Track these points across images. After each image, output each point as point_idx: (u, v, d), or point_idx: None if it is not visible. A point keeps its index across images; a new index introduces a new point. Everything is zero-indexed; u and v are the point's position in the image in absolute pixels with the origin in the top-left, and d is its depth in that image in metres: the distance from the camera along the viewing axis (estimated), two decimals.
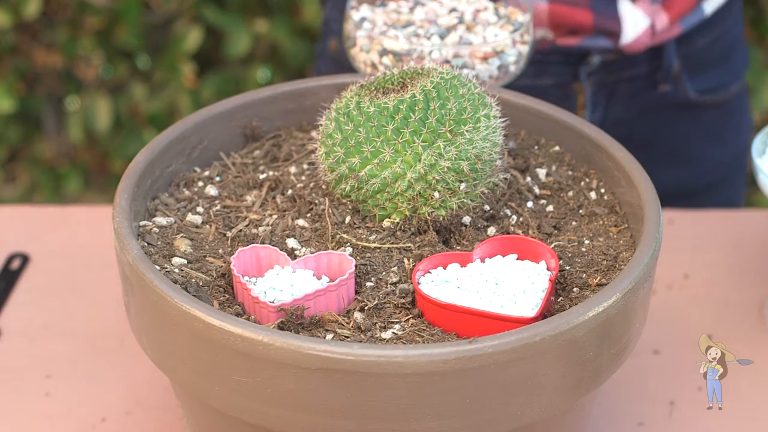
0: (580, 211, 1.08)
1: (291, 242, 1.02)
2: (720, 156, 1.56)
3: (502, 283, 0.97)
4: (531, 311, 0.94)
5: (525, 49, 1.24)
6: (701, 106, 1.51)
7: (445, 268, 0.99)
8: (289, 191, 1.08)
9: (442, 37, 1.23)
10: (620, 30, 1.39)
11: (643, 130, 1.49)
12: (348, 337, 0.93)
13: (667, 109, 1.49)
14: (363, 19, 1.25)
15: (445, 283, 0.97)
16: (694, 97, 1.49)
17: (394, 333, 0.93)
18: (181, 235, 1.03)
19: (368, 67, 1.23)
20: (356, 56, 1.24)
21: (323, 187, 1.07)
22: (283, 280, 0.97)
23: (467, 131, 1.01)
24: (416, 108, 1.00)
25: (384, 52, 1.21)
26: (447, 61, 1.20)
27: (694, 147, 1.53)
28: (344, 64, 1.44)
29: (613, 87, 1.46)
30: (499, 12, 1.26)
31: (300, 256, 1.01)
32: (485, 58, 1.21)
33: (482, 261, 1.00)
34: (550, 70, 1.44)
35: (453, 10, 1.26)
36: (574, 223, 1.07)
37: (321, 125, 1.04)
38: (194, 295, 0.95)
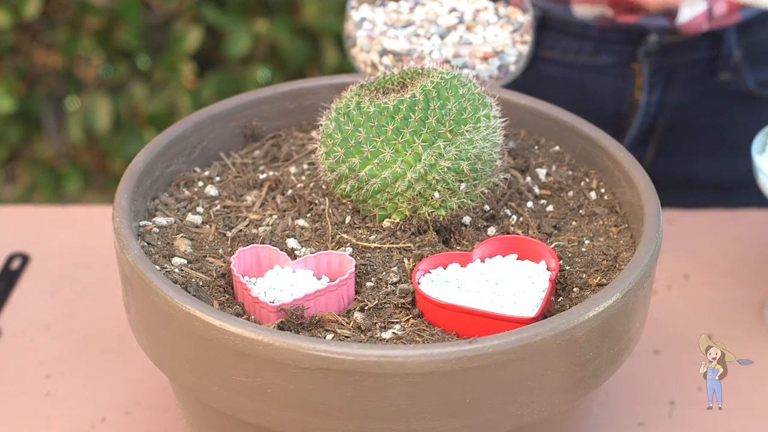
0: (580, 211, 1.08)
1: (291, 242, 1.02)
2: None
3: (502, 282, 0.97)
4: (531, 311, 0.94)
5: (525, 48, 1.24)
6: (760, 98, 1.50)
7: (445, 268, 0.99)
8: (289, 191, 1.08)
9: (442, 37, 1.23)
10: (677, 7, 1.39)
11: (699, 116, 1.48)
12: (348, 337, 0.93)
13: (725, 98, 1.49)
14: (363, 19, 1.25)
15: (445, 282, 0.97)
16: (754, 88, 1.49)
17: (394, 333, 0.93)
18: (181, 235, 1.03)
19: (368, 67, 1.23)
20: (356, 56, 1.24)
21: (323, 187, 1.07)
22: (283, 280, 0.97)
23: (467, 131, 1.01)
24: (416, 108, 1.00)
25: (384, 52, 1.21)
26: (447, 61, 1.20)
27: (748, 139, 1.53)
28: None
29: (671, 70, 1.46)
30: (499, 12, 1.26)
31: (300, 256, 1.01)
32: (485, 58, 1.21)
33: (482, 261, 1.00)
34: (609, 48, 1.44)
35: (453, 9, 1.26)
36: (574, 223, 1.07)
37: (321, 125, 1.04)
38: (194, 295, 0.95)
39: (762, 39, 1.48)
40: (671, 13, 1.40)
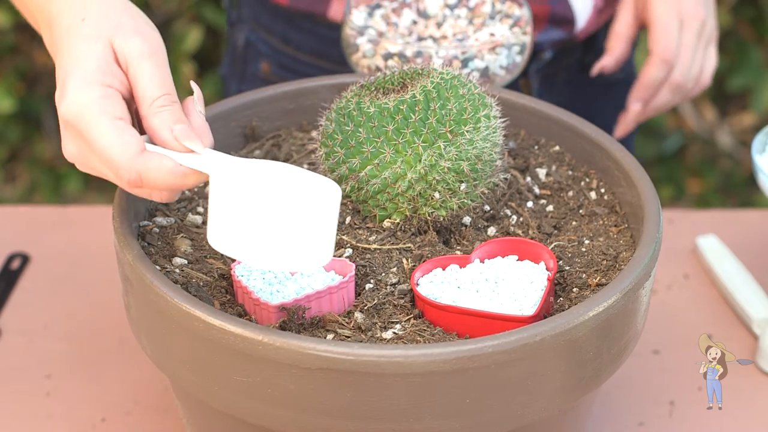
0: (580, 211, 1.08)
1: None
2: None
3: (501, 282, 0.97)
4: (530, 310, 0.94)
5: (527, 39, 1.24)
6: (620, 82, 1.51)
7: (444, 270, 0.99)
8: None
9: (444, 35, 1.23)
10: (573, 16, 1.39)
11: (574, 112, 1.50)
12: (348, 337, 0.93)
13: (591, 91, 1.50)
14: (363, 26, 1.25)
15: (445, 282, 0.97)
16: (617, 73, 1.50)
17: (394, 333, 0.93)
18: (182, 235, 1.03)
19: (373, 72, 1.22)
20: (359, 62, 1.24)
21: None
22: (283, 281, 0.97)
23: (467, 131, 1.01)
24: (416, 108, 1.00)
25: (388, 56, 1.20)
26: (456, 57, 1.20)
27: (607, 120, 1.53)
28: None
29: (553, 78, 1.46)
30: (497, 6, 1.26)
31: None
32: (493, 48, 1.21)
33: (482, 262, 1.00)
34: None
35: (453, 6, 1.27)
36: (574, 223, 1.07)
37: (321, 125, 1.04)
38: (195, 296, 0.95)
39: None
40: (567, 21, 1.40)
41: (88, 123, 0.90)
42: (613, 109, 1.49)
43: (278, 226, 0.88)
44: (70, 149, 0.93)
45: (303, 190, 0.91)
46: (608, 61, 1.39)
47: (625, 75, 1.52)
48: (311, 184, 0.91)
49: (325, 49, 1.42)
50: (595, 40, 1.47)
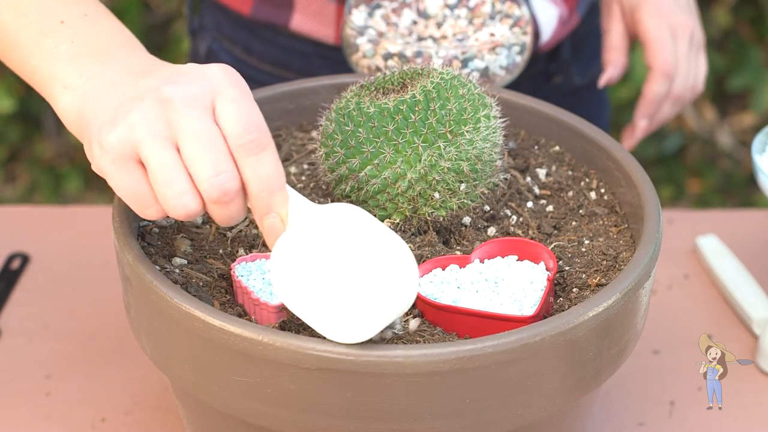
0: (580, 211, 1.08)
1: None
2: None
3: (501, 282, 0.97)
4: (530, 310, 0.94)
5: (527, 39, 1.24)
6: (582, 88, 1.52)
7: (443, 270, 0.99)
8: None
9: (444, 35, 1.23)
10: (538, 29, 1.39)
11: None
12: None
13: (557, 98, 1.50)
14: (363, 26, 1.25)
15: (445, 282, 0.97)
16: (580, 81, 1.50)
17: (394, 333, 0.93)
18: (182, 235, 1.03)
19: (373, 73, 1.22)
20: (358, 62, 1.24)
21: (323, 187, 1.07)
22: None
23: (467, 131, 1.01)
24: (416, 108, 1.00)
25: (389, 56, 1.20)
26: (456, 57, 1.20)
27: None
28: None
29: (516, 87, 1.46)
30: (497, 6, 1.26)
31: None
32: (493, 48, 1.21)
33: (482, 262, 1.00)
34: None
35: (453, 6, 1.27)
36: (574, 223, 1.07)
37: (321, 125, 1.04)
38: (194, 296, 0.95)
39: (581, 33, 1.50)
40: (535, 35, 1.40)
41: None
42: (580, 114, 1.49)
43: (337, 290, 0.86)
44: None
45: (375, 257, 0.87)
46: (614, 72, 1.40)
47: (589, 80, 1.52)
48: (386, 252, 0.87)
49: (287, 59, 1.42)
50: (559, 50, 1.47)
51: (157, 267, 0.97)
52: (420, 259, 1.00)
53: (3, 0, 0.98)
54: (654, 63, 1.37)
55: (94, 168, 0.90)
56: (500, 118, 1.04)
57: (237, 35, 1.44)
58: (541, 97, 1.48)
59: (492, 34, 1.23)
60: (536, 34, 1.40)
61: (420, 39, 1.24)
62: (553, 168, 1.12)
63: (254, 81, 1.45)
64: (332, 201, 1.05)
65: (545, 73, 1.48)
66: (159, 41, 2.41)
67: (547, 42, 1.42)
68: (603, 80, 1.40)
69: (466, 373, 0.87)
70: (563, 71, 1.49)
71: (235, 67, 1.46)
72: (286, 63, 1.42)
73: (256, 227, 1.05)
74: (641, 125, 1.40)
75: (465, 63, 1.20)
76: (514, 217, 1.06)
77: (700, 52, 1.41)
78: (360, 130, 1.01)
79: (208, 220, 1.06)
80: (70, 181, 2.48)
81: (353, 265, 0.87)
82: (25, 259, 1.34)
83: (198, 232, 1.04)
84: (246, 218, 1.06)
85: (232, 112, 0.88)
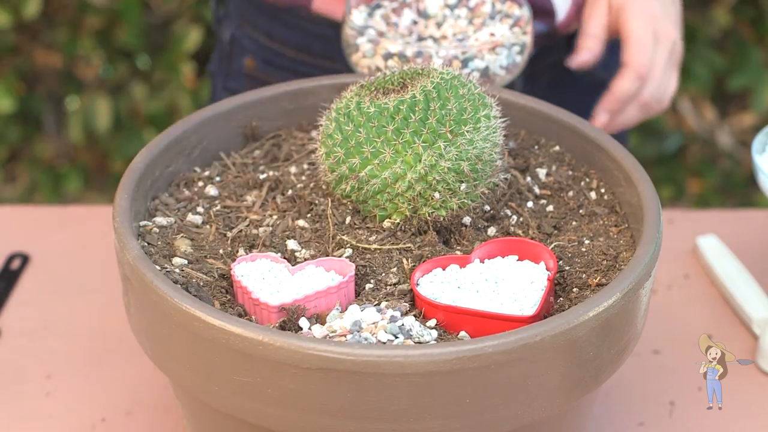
0: (580, 211, 1.08)
1: (291, 244, 1.02)
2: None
3: (501, 282, 0.97)
4: (530, 310, 0.94)
5: (528, 39, 1.24)
6: (602, 83, 1.51)
7: (444, 270, 0.99)
8: (290, 191, 1.08)
9: (444, 35, 1.23)
10: (553, 7, 1.39)
11: None
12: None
13: (578, 91, 1.50)
14: (363, 26, 1.25)
15: (445, 282, 0.97)
16: (601, 75, 1.50)
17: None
18: (182, 235, 1.03)
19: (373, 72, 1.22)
20: (359, 62, 1.24)
21: (323, 187, 1.07)
22: (283, 281, 0.97)
23: (467, 131, 1.01)
24: (416, 108, 1.00)
25: (389, 56, 1.20)
26: (456, 57, 1.20)
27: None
28: (264, 80, 1.44)
29: (537, 76, 1.46)
30: (497, 6, 1.26)
31: (300, 258, 1.01)
32: (493, 48, 1.21)
33: (482, 262, 1.00)
34: None
35: (453, 6, 1.27)
36: (574, 223, 1.07)
37: (321, 125, 1.04)
38: (195, 296, 0.95)
39: None
40: (548, 12, 1.40)
41: None
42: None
43: None
44: None
45: None
46: (587, 57, 1.38)
47: (612, 77, 1.52)
48: None
49: (308, 43, 1.43)
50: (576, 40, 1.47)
51: (157, 267, 0.97)
52: (420, 259, 1.00)
53: None
54: (630, 61, 1.35)
55: None
56: (500, 118, 1.04)
57: (259, 21, 1.46)
58: (562, 88, 1.47)
59: (492, 34, 1.23)
60: (551, 13, 1.40)
61: (420, 39, 1.24)
62: (553, 168, 1.12)
63: (277, 66, 1.46)
64: (332, 201, 1.05)
65: (564, 65, 1.48)
66: (159, 41, 2.41)
67: (563, 22, 1.41)
68: (574, 62, 1.38)
69: (466, 373, 0.87)
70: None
71: (257, 53, 1.48)
72: (308, 47, 1.44)
73: (256, 227, 1.05)
74: (600, 119, 1.37)
75: (465, 63, 1.20)
76: (515, 217, 1.06)
77: (674, 68, 1.39)
78: (360, 130, 1.01)
79: (208, 220, 1.06)
80: (70, 181, 2.48)
81: None
82: (25, 259, 1.34)
83: (198, 232, 1.04)
84: (246, 218, 1.06)
85: None
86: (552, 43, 1.44)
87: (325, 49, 1.42)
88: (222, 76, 1.54)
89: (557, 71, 1.46)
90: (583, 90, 1.50)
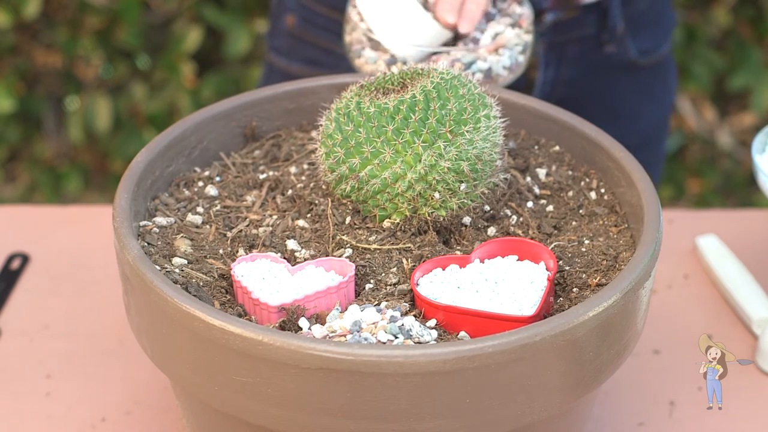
0: (580, 211, 1.08)
1: (291, 244, 1.02)
2: (651, 114, 1.58)
3: (501, 282, 0.97)
4: (530, 310, 0.94)
5: (530, 38, 1.24)
6: (640, 66, 1.52)
7: (443, 270, 0.99)
8: (289, 191, 1.08)
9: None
10: None
11: (589, 89, 1.51)
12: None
13: (611, 70, 1.51)
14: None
15: (445, 282, 0.97)
16: (636, 57, 1.50)
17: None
18: (182, 235, 1.03)
19: None
20: (361, 67, 1.24)
21: (323, 187, 1.07)
22: (283, 281, 0.97)
23: (467, 131, 1.01)
24: (416, 108, 1.00)
25: (392, 61, 1.20)
26: (458, 59, 1.19)
27: (631, 106, 1.55)
28: (303, 38, 1.48)
29: (563, 47, 1.47)
30: (498, 6, 1.26)
31: (300, 258, 1.01)
32: (496, 49, 1.21)
33: (482, 262, 1.00)
34: None
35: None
36: (574, 223, 1.07)
37: (321, 125, 1.04)
38: (195, 296, 0.95)
39: (641, 9, 1.50)
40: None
41: None
42: (639, 97, 1.49)
43: None
44: None
45: None
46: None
47: (652, 63, 1.52)
48: None
49: (340, 2, 1.44)
50: (608, 17, 1.47)
51: (157, 267, 0.97)
52: (420, 259, 1.00)
53: None
54: None
55: None
56: (500, 118, 1.04)
57: None
58: (591, 63, 1.47)
59: (494, 36, 1.23)
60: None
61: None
62: (553, 168, 1.12)
63: (312, 24, 1.50)
64: (332, 201, 1.05)
65: (596, 39, 1.48)
66: (159, 41, 2.41)
67: None
68: None
69: (466, 373, 0.87)
70: (617, 41, 1.49)
71: (297, 11, 1.50)
72: (340, 6, 1.45)
73: (256, 227, 1.05)
74: (448, 19, 1.31)
75: (468, 65, 1.20)
76: (514, 217, 1.06)
77: None
78: (360, 130, 1.01)
79: (208, 220, 1.06)
80: (70, 181, 2.48)
81: None
82: (25, 259, 1.34)
83: (198, 232, 1.04)
84: (246, 218, 1.06)
85: None
86: (576, 17, 1.44)
87: None
88: (269, 35, 1.58)
89: (588, 46, 1.47)
90: (613, 70, 1.50)
